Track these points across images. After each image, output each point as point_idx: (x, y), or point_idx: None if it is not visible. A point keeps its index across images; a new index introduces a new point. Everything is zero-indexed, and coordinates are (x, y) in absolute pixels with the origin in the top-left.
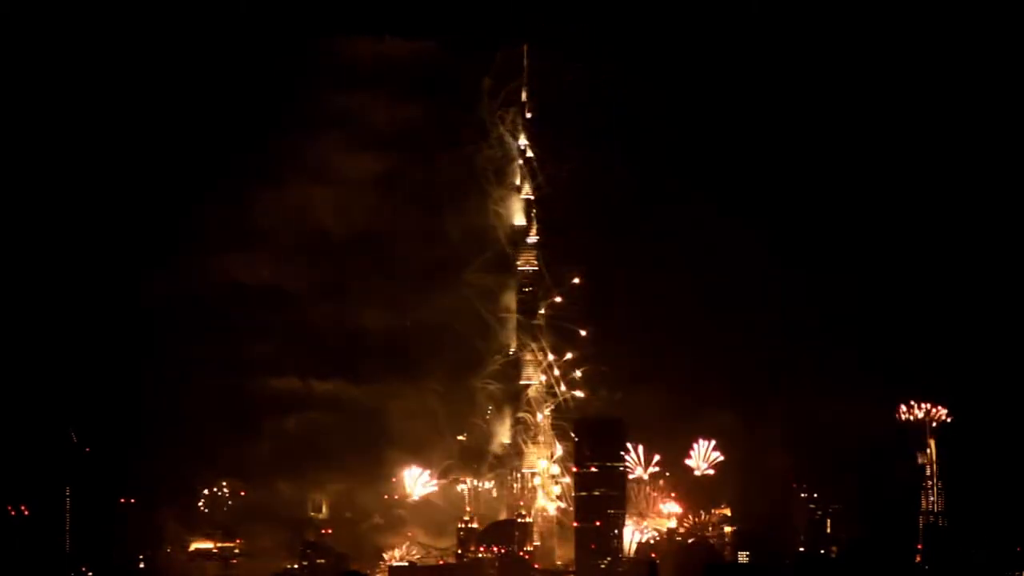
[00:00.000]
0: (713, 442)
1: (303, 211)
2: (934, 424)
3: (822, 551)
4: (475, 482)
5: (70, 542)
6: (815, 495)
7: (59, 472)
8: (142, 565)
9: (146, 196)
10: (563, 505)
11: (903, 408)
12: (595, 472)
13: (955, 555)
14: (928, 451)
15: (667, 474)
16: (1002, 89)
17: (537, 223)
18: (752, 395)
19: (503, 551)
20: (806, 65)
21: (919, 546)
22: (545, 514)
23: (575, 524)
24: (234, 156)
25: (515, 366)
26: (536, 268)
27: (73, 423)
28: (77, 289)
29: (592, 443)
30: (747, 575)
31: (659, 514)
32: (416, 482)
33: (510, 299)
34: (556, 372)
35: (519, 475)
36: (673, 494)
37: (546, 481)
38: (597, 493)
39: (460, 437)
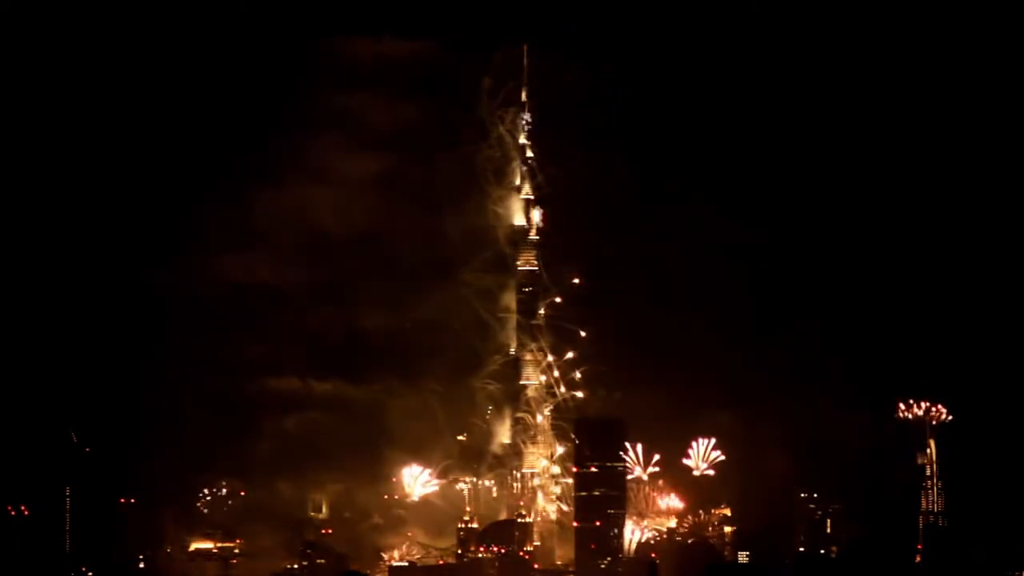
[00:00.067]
0: (712, 441)
1: (303, 211)
2: (934, 423)
3: (822, 551)
4: (476, 480)
5: (70, 542)
6: (815, 495)
7: (59, 472)
8: (142, 565)
9: (146, 196)
10: (565, 508)
11: (903, 408)
12: (595, 472)
13: (955, 555)
14: (928, 451)
15: (666, 475)
16: (1000, 89)
17: (536, 223)
18: (752, 395)
19: (503, 551)
20: (806, 65)
21: (919, 546)
22: (545, 514)
23: (575, 524)
24: (234, 156)
25: (515, 366)
26: (536, 268)
27: (73, 423)
28: (77, 289)
29: (592, 443)
30: (747, 575)
31: (659, 513)
32: (416, 482)
33: (510, 299)
34: (556, 372)
35: (519, 475)
36: (673, 493)
37: (546, 481)
38: (597, 493)
39: (460, 437)
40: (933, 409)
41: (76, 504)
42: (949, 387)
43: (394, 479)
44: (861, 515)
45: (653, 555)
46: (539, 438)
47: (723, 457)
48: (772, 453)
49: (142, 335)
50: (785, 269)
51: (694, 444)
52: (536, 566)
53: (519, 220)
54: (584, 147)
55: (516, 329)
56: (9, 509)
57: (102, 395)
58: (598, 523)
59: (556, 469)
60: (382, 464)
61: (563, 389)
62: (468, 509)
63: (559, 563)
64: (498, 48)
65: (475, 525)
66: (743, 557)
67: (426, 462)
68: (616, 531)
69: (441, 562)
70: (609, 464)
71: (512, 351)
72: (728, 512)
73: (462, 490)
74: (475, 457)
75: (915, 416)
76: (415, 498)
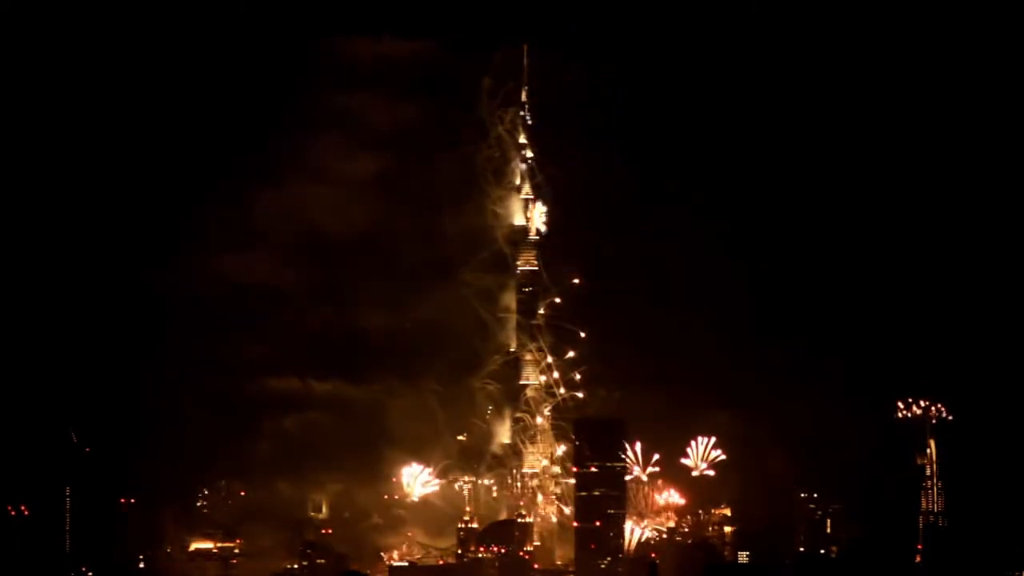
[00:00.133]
0: (711, 440)
1: (303, 211)
2: (934, 423)
3: (822, 551)
4: (476, 480)
5: (70, 542)
6: (815, 495)
7: (59, 472)
8: (142, 565)
9: (146, 196)
10: (567, 511)
11: (903, 408)
12: (595, 472)
13: (955, 555)
14: (928, 451)
15: (666, 475)
16: (1001, 89)
17: (537, 226)
18: (752, 395)
19: (503, 551)
20: (806, 65)
21: (919, 546)
22: (545, 514)
23: (575, 524)
24: (234, 156)
25: (514, 366)
26: (536, 268)
27: (73, 423)
28: (77, 289)
29: (592, 443)
30: (747, 575)
31: (659, 513)
32: (416, 481)
33: (509, 299)
34: (555, 373)
35: (519, 475)
36: (674, 483)
37: (546, 481)
38: (597, 493)
39: (460, 437)
40: (933, 409)
41: (76, 504)
42: (949, 387)
43: (394, 479)
44: (861, 515)
45: (653, 555)
46: (539, 438)
47: (723, 457)
48: (772, 453)
49: (142, 335)
50: (785, 269)
51: (693, 443)
52: (536, 566)
53: (519, 220)
54: (584, 147)
55: (516, 329)
56: (9, 509)
57: (102, 395)
58: (598, 523)
59: (556, 469)
60: (382, 464)
61: (563, 389)
62: (468, 509)
63: (559, 563)
64: (498, 48)
65: (475, 525)
66: (743, 557)
67: (426, 462)
68: (616, 531)
69: (441, 562)
70: (609, 464)
71: (512, 351)
72: (728, 512)
73: (462, 490)
74: (475, 457)
75: (915, 416)
76: (415, 498)
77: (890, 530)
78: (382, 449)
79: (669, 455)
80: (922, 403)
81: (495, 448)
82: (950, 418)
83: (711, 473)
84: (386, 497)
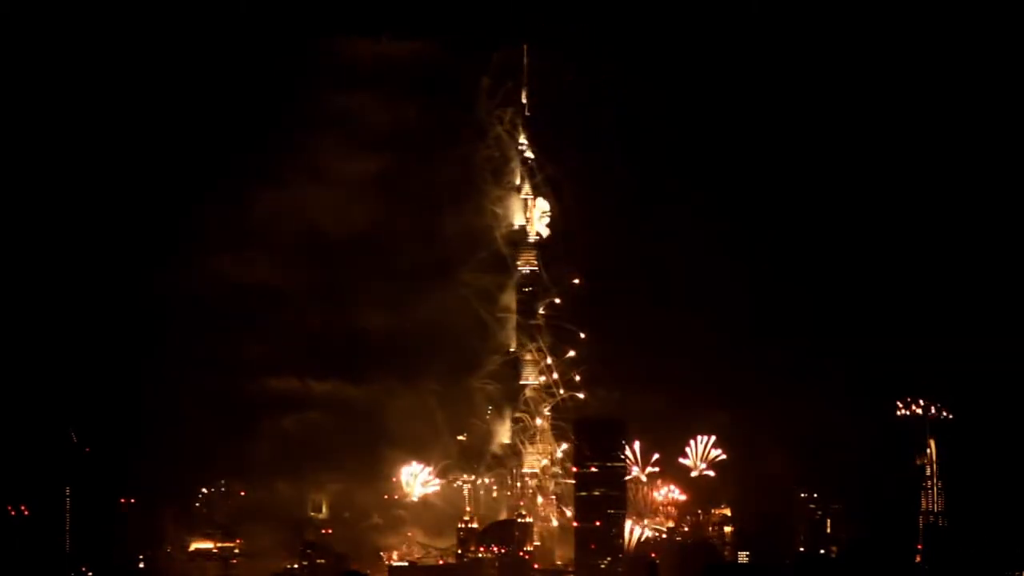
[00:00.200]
0: (711, 439)
1: (303, 211)
2: (934, 423)
3: (822, 551)
4: (476, 479)
5: (70, 542)
6: (815, 495)
7: (59, 472)
8: (142, 565)
9: (146, 196)
10: (567, 511)
11: (903, 408)
12: (595, 472)
13: (955, 555)
14: (928, 451)
15: (666, 475)
16: (1001, 89)
17: (538, 229)
18: (752, 395)
19: (503, 551)
20: (806, 65)
21: (919, 546)
22: (544, 514)
23: (575, 524)
24: (234, 156)
25: (514, 366)
26: (536, 268)
27: (73, 423)
28: (77, 289)
29: (592, 443)
30: (747, 575)
31: (659, 513)
32: (416, 481)
33: (509, 299)
34: (555, 373)
35: (520, 475)
36: (674, 483)
37: (546, 482)
38: (597, 493)
39: (460, 437)
40: (933, 409)
41: (76, 504)
42: (949, 387)
43: (394, 479)
44: (861, 515)
45: (653, 555)
46: (538, 438)
47: (723, 457)
48: (772, 453)
49: (142, 335)
50: (785, 269)
51: (691, 443)
52: (536, 566)
53: (519, 220)
54: (584, 147)
55: (515, 329)
56: (9, 509)
57: (102, 395)
58: (598, 523)
59: (556, 469)
60: (382, 464)
61: (562, 390)
62: (468, 509)
63: (559, 563)
64: (498, 48)
65: (475, 525)
66: (743, 557)
67: (426, 462)
68: (616, 531)
69: (441, 562)
70: (609, 464)
71: (511, 351)
72: (728, 512)
73: (462, 490)
74: (475, 457)
75: (915, 416)
76: (415, 498)
77: (890, 530)
78: (382, 449)
79: (669, 455)
80: (922, 403)
81: (495, 448)
82: (950, 418)
83: (711, 473)
84: (386, 497)
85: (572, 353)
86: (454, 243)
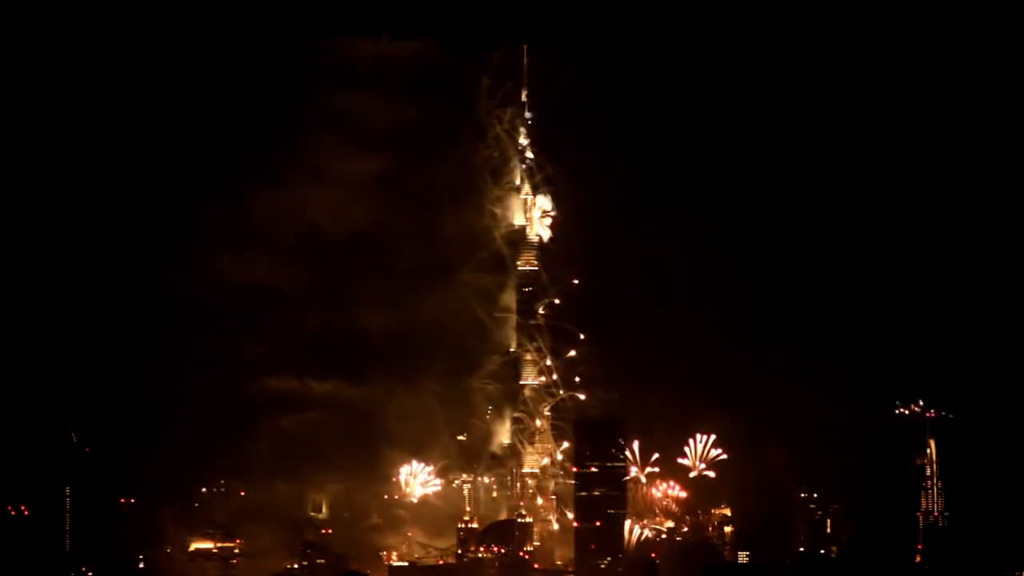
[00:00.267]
0: (710, 439)
1: (303, 211)
2: (934, 423)
3: (822, 551)
4: (475, 479)
5: (70, 542)
6: (815, 495)
7: (59, 472)
8: (142, 565)
9: (146, 196)
10: (567, 512)
11: (903, 408)
12: (595, 472)
13: (955, 555)
14: (928, 451)
15: (666, 475)
16: (1001, 89)
17: (536, 227)
18: (752, 395)
19: (503, 551)
20: (806, 65)
21: (919, 546)
22: (544, 514)
23: (575, 524)
24: (234, 156)
25: (514, 366)
26: (536, 268)
27: (73, 423)
28: (77, 289)
29: (592, 443)
30: (747, 575)
31: (659, 513)
32: (416, 481)
33: (509, 299)
34: (555, 373)
35: (520, 475)
36: (674, 482)
37: (545, 482)
38: (597, 493)
39: (460, 437)
40: (933, 409)
41: (76, 504)
42: (949, 387)
43: (393, 479)
44: (861, 515)
45: (653, 555)
46: (538, 438)
47: (723, 456)
48: (772, 453)
49: (142, 335)
50: (785, 269)
51: (690, 442)
52: (536, 566)
53: (519, 220)
54: (584, 147)
55: (515, 329)
56: (9, 509)
57: (102, 395)
58: (598, 523)
59: (556, 470)
60: (381, 464)
61: (562, 390)
62: (468, 509)
63: (559, 563)
64: (498, 48)
65: (475, 525)
66: (743, 557)
67: (426, 462)
68: (616, 531)
69: (441, 562)
70: (609, 464)
71: (511, 351)
72: (728, 512)
73: (462, 490)
74: (474, 457)
75: (915, 416)
76: (415, 498)
77: (890, 530)
78: (382, 449)
79: (669, 455)
80: (922, 403)
81: (495, 448)
82: (950, 418)
83: (710, 474)
84: (386, 497)
85: (572, 353)
86: (454, 243)
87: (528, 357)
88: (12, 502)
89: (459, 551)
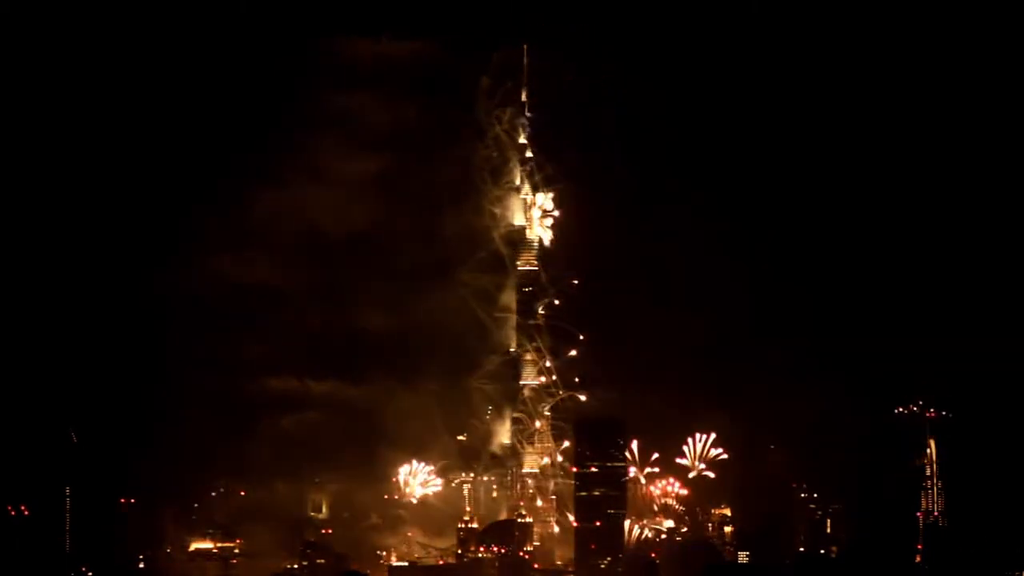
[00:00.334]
0: (712, 437)
1: (303, 211)
2: (934, 423)
3: (822, 551)
4: (475, 479)
5: (70, 542)
6: (815, 495)
7: (59, 472)
8: (142, 565)
9: (146, 196)
10: (569, 514)
11: (903, 407)
12: (595, 472)
13: (955, 555)
14: (928, 451)
15: (666, 475)
16: (1000, 89)
17: (536, 228)
18: (752, 395)
19: (503, 551)
20: (806, 65)
21: (919, 546)
22: (544, 514)
23: (575, 524)
24: (234, 156)
25: (513, 366)
26: (535, 268)
27: (73, 423)
28: (77, 289)
29: (592, 443)
30: (747, 575)
31: (658, 513)
32: (415, 481)
33: (509, 299)
34: (554, 373)
35: (519, 475)
36: (674, 480)
37: (545, 482)
38: (597, 493)
39: (459, 437)
40: (932, 409)
41: (76, 504)
42: (948, 387)
43: (393, 479)
44: (861, 515)
45: (653, 555)
46: (538, 438)
47: (723, 456)
48: (772, 453)
49: (142, 335)
50: (785, 269)
51: (690, 442)
52: (536, 566)
53: (518, 220)
54: (584, 147)
55: (515, 329)
56: (9, 509)
57: (102, 395)
58: (598, 523)
59: (556, 470)
60: (381, 464)
61: (562, 390)
62: (468, 509)
63: (559, 563)
64: (498, 48)
65: (475, 525)
66: (743, 557)
67: (425, 462)
68: (616, 531)
69: (441, 562)
70: (609, 464)
71: (511, 351)
72: (728, 512)
73: (462, 490)
74: (474, 457)
75: (915, 416)
76: (414, 498)
77: (890, 530)
78: (381, 449)
79: (669, 455)
80: (922, 403)
81: (494, 448)
82: (950, 418)
83: (710, 474)
84: (386, 497)
85: (572, 353)
86: (454, 243)
87: (528, 357)
88: (12, 502)
89: (459, 551)
